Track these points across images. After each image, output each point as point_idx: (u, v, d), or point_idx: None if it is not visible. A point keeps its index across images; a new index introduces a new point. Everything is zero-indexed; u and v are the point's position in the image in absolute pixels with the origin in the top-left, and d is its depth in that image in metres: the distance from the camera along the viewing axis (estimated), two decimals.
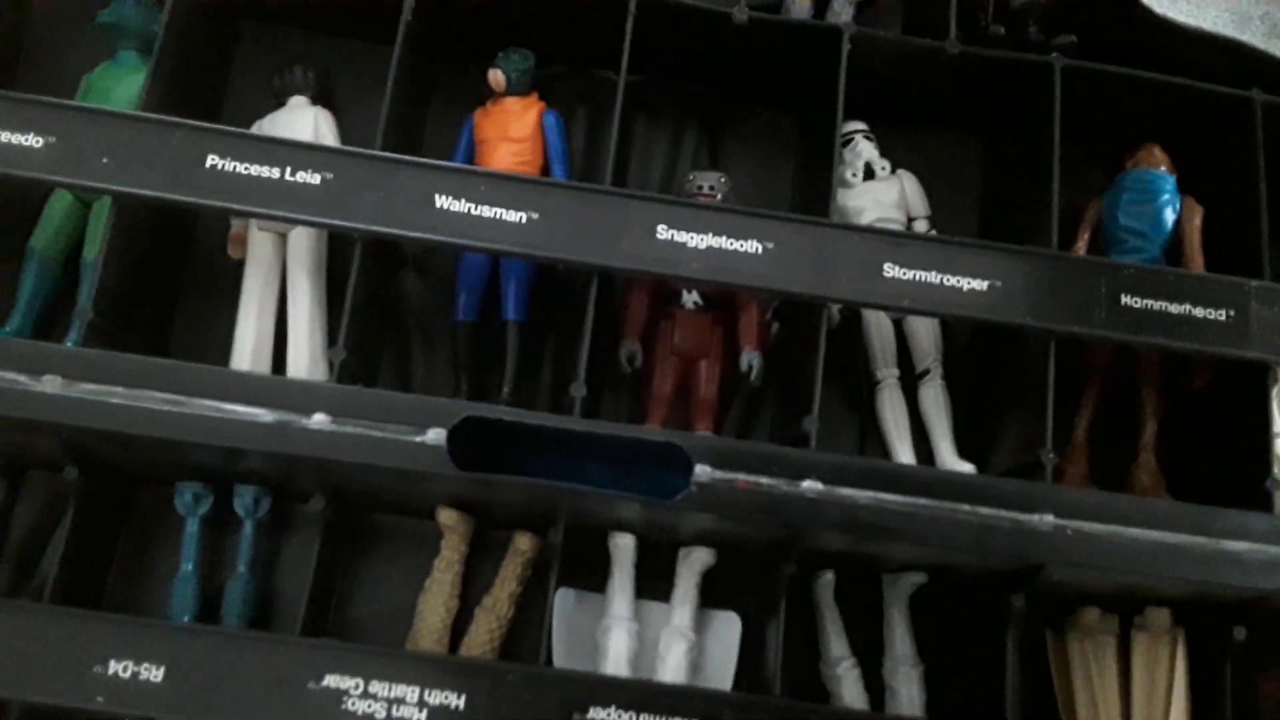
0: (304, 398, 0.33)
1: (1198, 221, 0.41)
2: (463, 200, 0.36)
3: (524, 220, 0.36)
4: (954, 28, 0.41)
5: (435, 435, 0.33)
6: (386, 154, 0.36)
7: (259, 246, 0.40)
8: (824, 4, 0.43)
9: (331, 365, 0.35)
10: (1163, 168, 0.42)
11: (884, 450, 0.42)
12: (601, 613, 0.39)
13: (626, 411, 0.43)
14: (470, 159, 0.41)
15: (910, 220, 0.44)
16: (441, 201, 0.36)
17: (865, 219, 0.42)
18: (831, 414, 0.42)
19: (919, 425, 0.42)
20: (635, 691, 0.34)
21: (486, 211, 0.36)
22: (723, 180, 0.42)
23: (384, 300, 0.42)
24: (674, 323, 0.41)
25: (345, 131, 0.42)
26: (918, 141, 0.45)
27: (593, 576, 0.39)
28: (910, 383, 0.42)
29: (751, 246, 0.37)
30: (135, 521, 0.40)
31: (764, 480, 0.34)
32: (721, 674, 0.39)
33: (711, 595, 0.40)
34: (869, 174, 0.43)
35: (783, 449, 0.35)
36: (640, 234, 0.36)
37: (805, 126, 0.45)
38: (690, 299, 0.41)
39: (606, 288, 0.38)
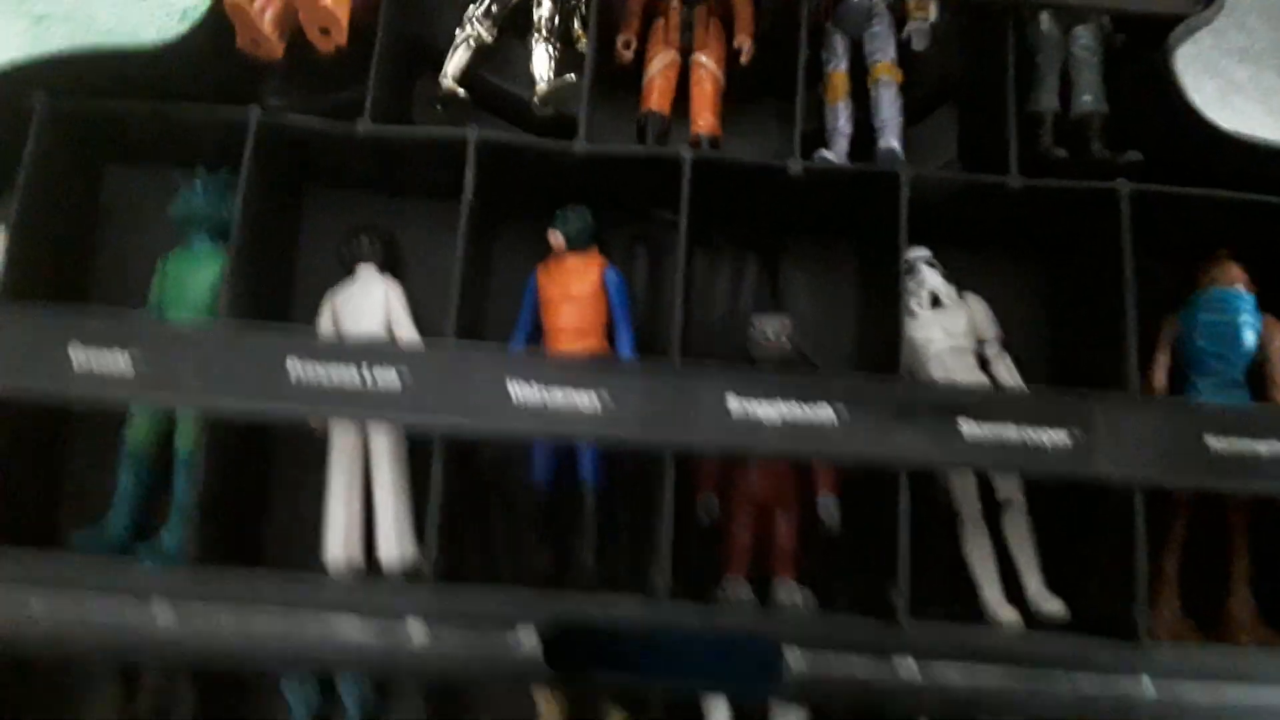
0: (399, 603, 0.34)
1: (1279, 342, 0.40)
2: (534, 384, 0.36)
3: (595, 403, 0.36)
4: (1014, 159, 0.40)
5: (527, 639, 0.34)
6: (458, 348, 0.37)
7: (341, 434, 0.40)
8: (864, 131, 0.43)
9: (420, 570, 0.35)
10: (1239, 285, 0.41)
11: (969, 584, 0.41)
12: None
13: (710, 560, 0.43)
14: (536, 317, 0.42)
15: (980, 343, 0.43)
16: (514, 389, 0.36)
17: (935, 349, 0.42)
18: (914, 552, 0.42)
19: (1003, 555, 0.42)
20: None
21: (559, 396, 0.36)
22: (785, 322, 0.41)
23: (465, 468, 0.42)
24: (749, 471, 0.41)
25: (416, 288, 0.42)
26: (981, 265, 0.45)
27: None
28: (992, 512, 0.42)
29: (823, 413, 0.36)
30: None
31: (856, 665, 0.34)
32: None
33: None
34: (935, 302, 0.43)
35: (872, 624, 0.35)
36: (711, 409, 0.36)
37: (865, 255, 0.45)
38: None
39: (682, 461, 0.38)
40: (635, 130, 0.43)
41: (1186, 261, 0.43)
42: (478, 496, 0.43)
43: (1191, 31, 0.41)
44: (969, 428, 0.36)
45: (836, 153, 0.43)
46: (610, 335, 0.42)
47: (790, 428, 0.36)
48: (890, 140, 0.42)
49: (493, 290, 0.44)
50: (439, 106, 0.43)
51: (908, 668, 0.34)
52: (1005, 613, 0.40)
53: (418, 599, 0.35)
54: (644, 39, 0.44)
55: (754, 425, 0.36)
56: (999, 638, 0.36)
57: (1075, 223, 0.41)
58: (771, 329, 0.42)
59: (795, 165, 0.39)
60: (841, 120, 0.43)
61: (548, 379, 0.36)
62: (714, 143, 0.42)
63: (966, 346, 0.43)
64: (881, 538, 0.39)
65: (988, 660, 0.34)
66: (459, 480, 0.41)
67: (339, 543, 0.39)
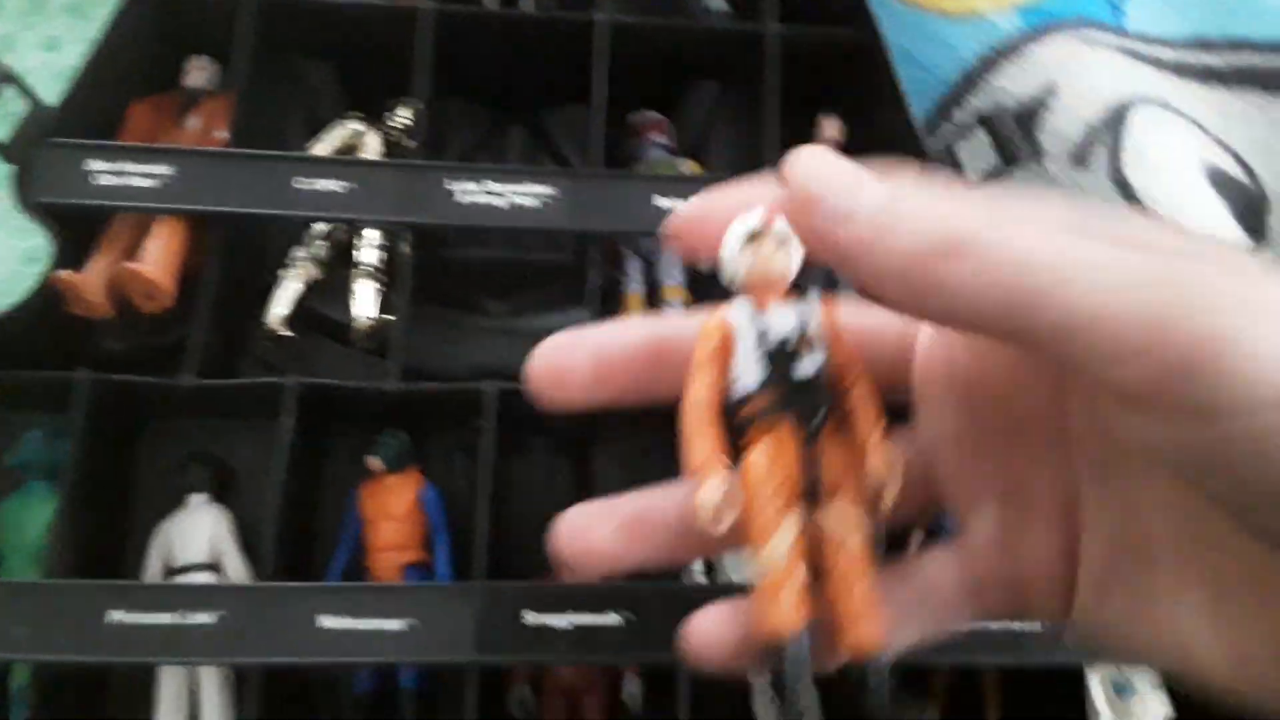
0: None
1: None
2: (344, 616, 0.39)
3: (404, 627, 0.40)
4: None
5: None
6: (272, 584, 0.40)
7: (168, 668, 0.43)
8: None
9: None
10: None
11: None
12: None
13: None
14: (359, 533, 0.45)
15: None
16: (323, 621, 0.39)
17: None
18: None
19: None
20: None
21: (366, 624, 0.39)
22: None
23: (292, 686, 0.45)
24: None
25: (251, 507, 0.46)
26: None
27: None
28: None
29: (612, 619, 0.41)
30: None
31: None
32: None
33: None
34: None
35: None
36: (509, 623, 0.40)
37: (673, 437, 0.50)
38: None
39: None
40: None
41: None
42: (306, 707, 0.45)
43: None
44: None
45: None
46: (431, 547, 0.46)
47: (581, 633, 0.40)
48: None
49: (325, 504, 0.48)
50: (268, 343, 0.47)
51: None
52: None
53: None
54: None
55: (548, 635, 0.40)
56: None
57: None
58: None
59: None
60: None
61: (356, 609, 0.40)
62: None
63: None
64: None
65: None
66: (286, 694, 0.44)
67: None
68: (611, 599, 0.41)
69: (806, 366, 0.23)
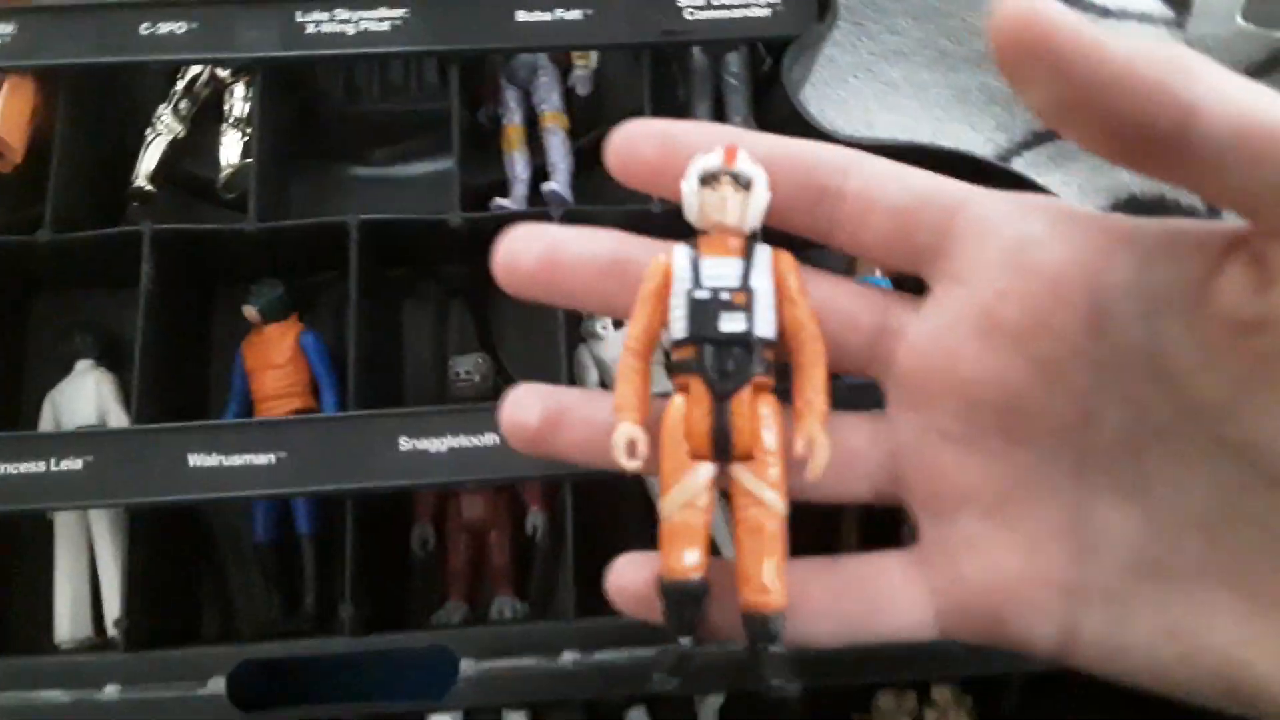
0: (97, 675, 0.37)
1: None
2: (213, 455, 0.39)
3: (273, 461, 0.39)
4: None
5: (214, 686, 0.36)
6: (141, 427, 0.40)
7: (62, 515, 0.43)
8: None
9: (102, 624, 0.38)
10: None
11: None
12: None
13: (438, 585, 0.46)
14: (246, 389, 0.45)
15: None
16: (194, 460, 0.39)
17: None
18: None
19: None
20: None
21: (237, 460, 0.39)
22: (480, 360, 0.45)
23: (189, 535, 0.45)
24: (458, 500, 0.45)
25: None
26: None
27: None
28: None
29: (489, 440, 0.40)
30: None
31: (525, 662, 0.37)
32: None
33: None
34: (618, 323, 0.46)
35: (541, 626, 0.39)
36: (383, 451, 0.39)
37: None
38: None
39: (369, 501, 0.41)
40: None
41: None
42: (213, 557, 0.45)
43: (806, 48, 0.45)
44: None
45: (515, 199, 0.46)
46: (318, 393, 0.45)
47: (458, 456, 0.39)
48: (553, 183, 0.46)
49: (217, 363, 0.47)
50: (135, 204, 0.46)
51: (569, 658, 0.37)
52: None
53: (113, 666, 0.37)
54: None
55: (423, 460, 0.39)
56: None
57: None
58: (464, 367, 0.45)
59: (455, 218, 0.43)
60: (518, 168, 0.47)
61: (226, 446, 0.39)
62: None
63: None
64: (586, 546, 0.42)
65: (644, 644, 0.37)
66: (181, 545, 0.44)
67: (66, 620, 0.41)
68: (491, 422, 0.40)
69: (734, 322, 0.23)
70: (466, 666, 0.37)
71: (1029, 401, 0.22)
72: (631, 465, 0.23)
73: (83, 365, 0.45)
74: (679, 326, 0.23)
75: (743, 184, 0.23)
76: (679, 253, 0.24)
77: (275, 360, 0.44)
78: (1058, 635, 0.22)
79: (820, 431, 0.22)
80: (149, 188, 0.46)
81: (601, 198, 0.44)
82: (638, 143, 0.25)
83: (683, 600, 0.22)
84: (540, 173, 0.47)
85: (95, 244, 0.42)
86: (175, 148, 0.47)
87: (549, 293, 0.25)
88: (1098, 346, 0.21)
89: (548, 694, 0.37)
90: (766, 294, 0.23)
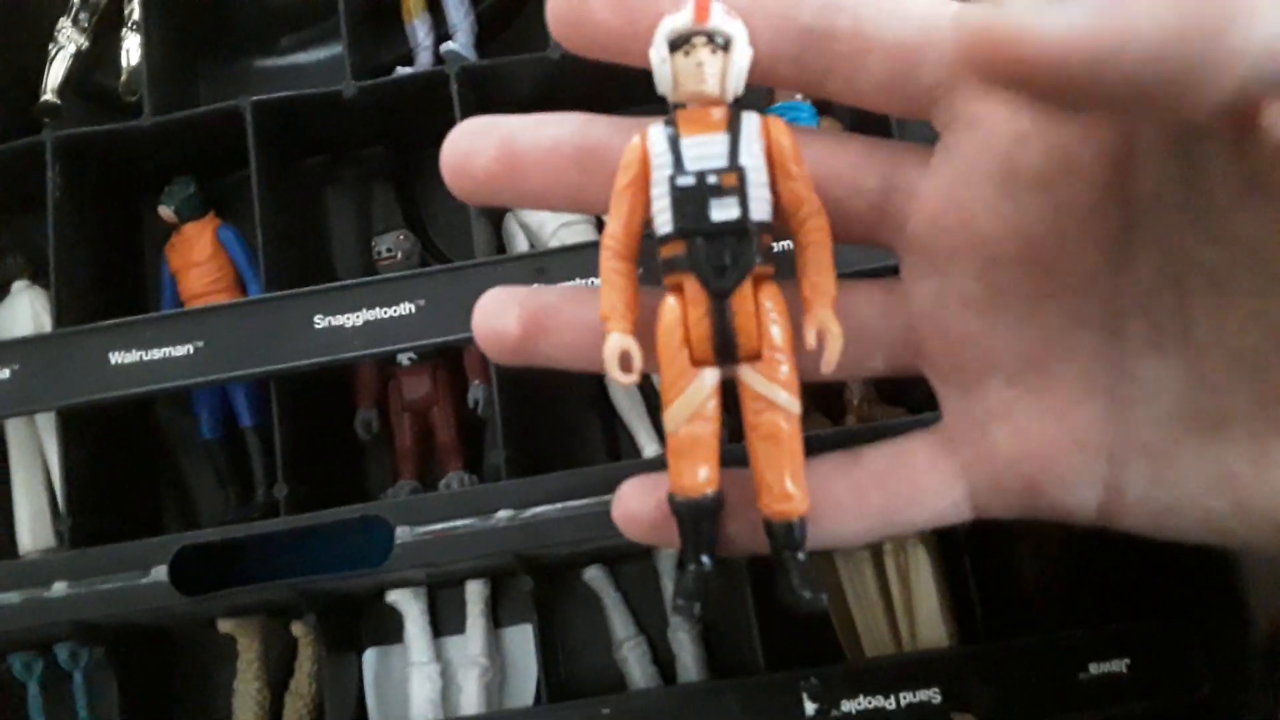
0: (44, 573, 0.38)
1: None
2: (133, 351, 0.39)
3: (191, 351, 0.39)
4: None
5: (157, 574, 0.37)
6: (61, 331, 0.40)
7: (13, 426, 0.44)
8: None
9: (60, 534, 0.39)
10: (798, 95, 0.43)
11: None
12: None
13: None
14: (175, 293, 0.45)
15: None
16: (115, 358, 0.39)
17: (550, 229, 0.44)
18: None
19: None
20: None
21: (157, 354, 0.39)
22: (401, 237, 0.44)
23: (137, 436, 0.45)
24: (398, 382, 0.44)
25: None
26: None
27: (401, 627, 0.43)
28: None
29: (405, 309, 0.39)
30: None
31: (460, 524, 0.37)
32: (525, 686, 0.43)
33: (515, 612, 0.44)
34: None
35: (474, 490, 0.38)
36: (299, 330, 0.39)
37: None
38: (404, 357, 0.44)
39: (296, 383, 0.41)
40: None
41: None
42: (155, 460, 0.46)
43: None
44: None
45: (419, 66, 0.45)
46: (244, 287, 0.44)
47: (372, 328, 0.39)
48: (451, 43, 0.44)
49: (151, 280, 0.47)
50: (46, 120, 0.46)
51: (503, 515, 0.37)
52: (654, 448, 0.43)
53: (60, 563, 0.38)
54: None
55: (339, 335, 0.39)
56: (579, 474, 0.38)
57: None
58: (385, 245, 0.44)
59: (349, 89, 0.41)
60: (420, 35, 0.45)
61: (145, 341, 0.39)
62: None
63: (579, 219, 0.45)
64: (529, 413, 0.42)
65: (579, 496, 0.37)
66: (130, 446, 0.44)
67: (27, 531, 0.42)
68: (405, 291, 0.39)
69: (726, 209, 0.20)
70: (402, 533, 0.37)
71: (1055, 254, 0.20)
72: (627, 379, 0.20)
73: (18, 286, 0.45)
74: (663, 219, 0.20)
75: (720, 44, 0.20)
76: (655, 133, 0.20)
77: (196, 258, 0.44)
78: (1100, 499, 0.21)
79: (832, 319, 0.20)
80: (56, 101, 0.45)
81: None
82: (590, 6, 0.21)
83: (698, 518, 0.21)
84: (446, 38, 0.45)
85: (2, 159, 0.42)
86: (81, 60, 0.46)
87: (510, 194, 0.22)
88: (1129, 186, 0.19)
89: (483, 550, 0.37)
90: (759, 170, 0.20)
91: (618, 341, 0.20)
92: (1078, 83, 0.15)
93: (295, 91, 0.42)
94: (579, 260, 0.38)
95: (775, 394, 0.20)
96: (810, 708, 0.37)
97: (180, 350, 0.39)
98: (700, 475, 0.20)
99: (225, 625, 0.41)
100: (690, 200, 0.20)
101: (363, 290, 0.39)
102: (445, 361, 0.44)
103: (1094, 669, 0.37)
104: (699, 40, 0.20)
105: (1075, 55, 0.15)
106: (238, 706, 0.42)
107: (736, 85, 0.20)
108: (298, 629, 0.41)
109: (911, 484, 0.22)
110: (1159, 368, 0.20)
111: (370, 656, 0.43)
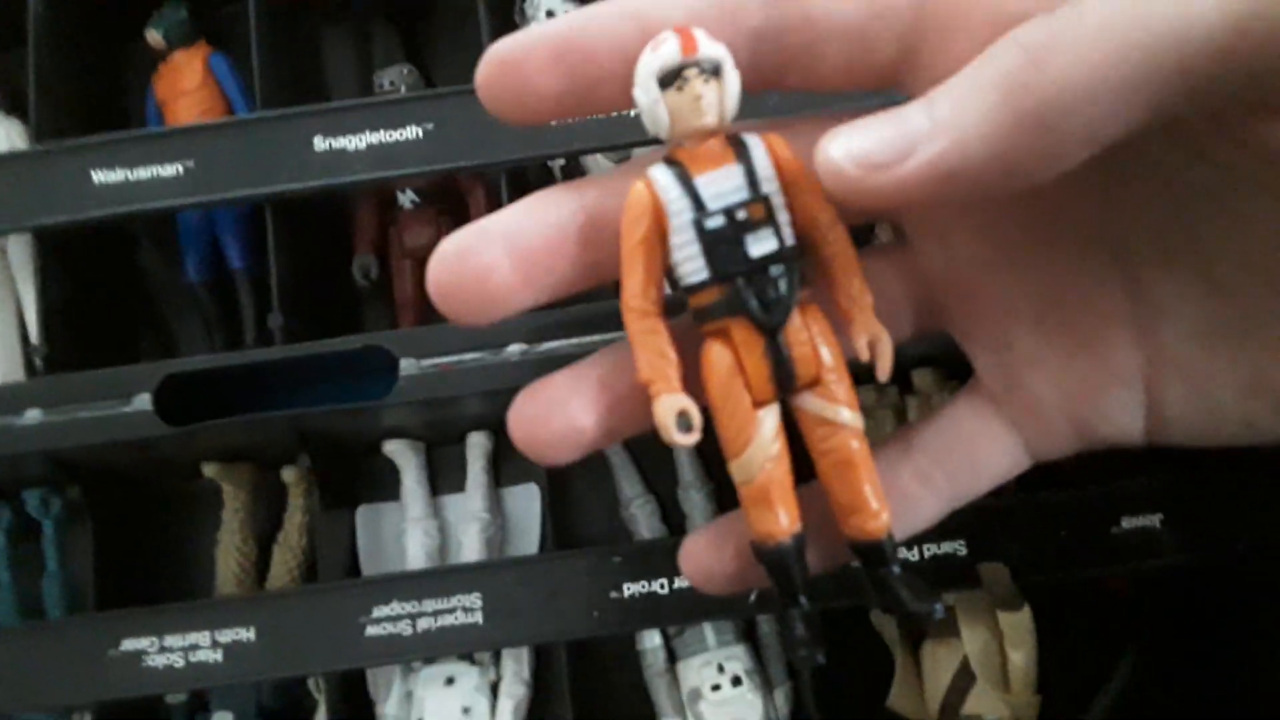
0: (15, 399, 0.35)
1: None
2: (117, 169, 0.36)
3: (180, 171, 0.36)
4: None
5: (140, 402, 0.34)
6: (40, 148, 0.37)
7: None
8: None
9: (32, 363, 0.36)
10: None
11: None
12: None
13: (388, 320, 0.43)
14: (162, 123, 0.42)
15: None
16: (98, 176, 0.36)
17: None
18: None
19: None
20: (413, 581, 0.36)
21: (143, 174, 0.36)
22: (405, 71, 0.41)
23: (120, 279, 0.43)
24: (399, 227, 0.42)
25: None
26: None
27: (396, 485, 0.41)
28: None
29: (411, 132, 0.36)
30: None
31: (468, 357, 0.35)
32: (527, 546, 0.41)
33: (517, 471, 0.42)
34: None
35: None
36: (297, 152, 0.36)
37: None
38: (406, 199, 0.41)
39: (293, 217, 0.38)
40: None
41: None
42: (149, 303, 0.43)
43: None
44: None
45: None
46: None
47: (377, 152, 0.36)
48: None
49: (131, 107, 0.44)
50: None
51: (515, 349, 0.35)
52: None
53: (33, 389, 0.35)
54: None
55: (341, 159, 0.36)
56: (596, 309, 0.36)
57: None
58: (389, 78, 0.41)
59: None
60: None
61: (130, 159, 0.36)
62: None
63: None
64: None
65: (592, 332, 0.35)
66: (110, 280, 0.42)
67: None
68: (412, 114, 0.36)
69: (763, 242, 0.19)
70: (407, 365, 0.35)
71: (1049, 203, 0.20)
72: (689, 440, 0.19)
73: None
74: (693, 267, 0.19)
75: (711, 71, 0.18)
76: (662, 177, 0.19)
77: (185, 86, 0.41)
78: (1145, 422, 0.21)
79: (880, 328, 0.19)
80: None
81: None
82: (526, 74, 0.19)
83: (789, 563, 0.20)
84: None
85: None
86: None
87: (532, 297, 0.20)
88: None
89: (493, 384, 0.34)
90: (778, 194, 0.19)
91: (671, 403, 0.19)
92: (929, 202, 0.17)
93: None
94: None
95: (839, 414, 0.20)
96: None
97: (169, 170, 0.36)
98: (783, 521, 0.20)
99: (210, 469, 0.39)
100: (723, 241, 0.19)
101: (366, 111, 0.36)
102: (450, 205, 0.42)
103: (1126, 523, 0.35)
104: (691, 73, 0.18)
105: (916, 193, 0.17)
106: (220, 559, 0.39)
107: (732, 111, 0.19)
108: (289, 474, 0.39)
109: (971, 455, 0.22)
110: (1175, 286, 0.20)
111: (364, 513, 0.41)
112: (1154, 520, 0.35)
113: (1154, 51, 0.15)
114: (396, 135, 0.36)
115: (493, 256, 0.19)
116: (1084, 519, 0.35)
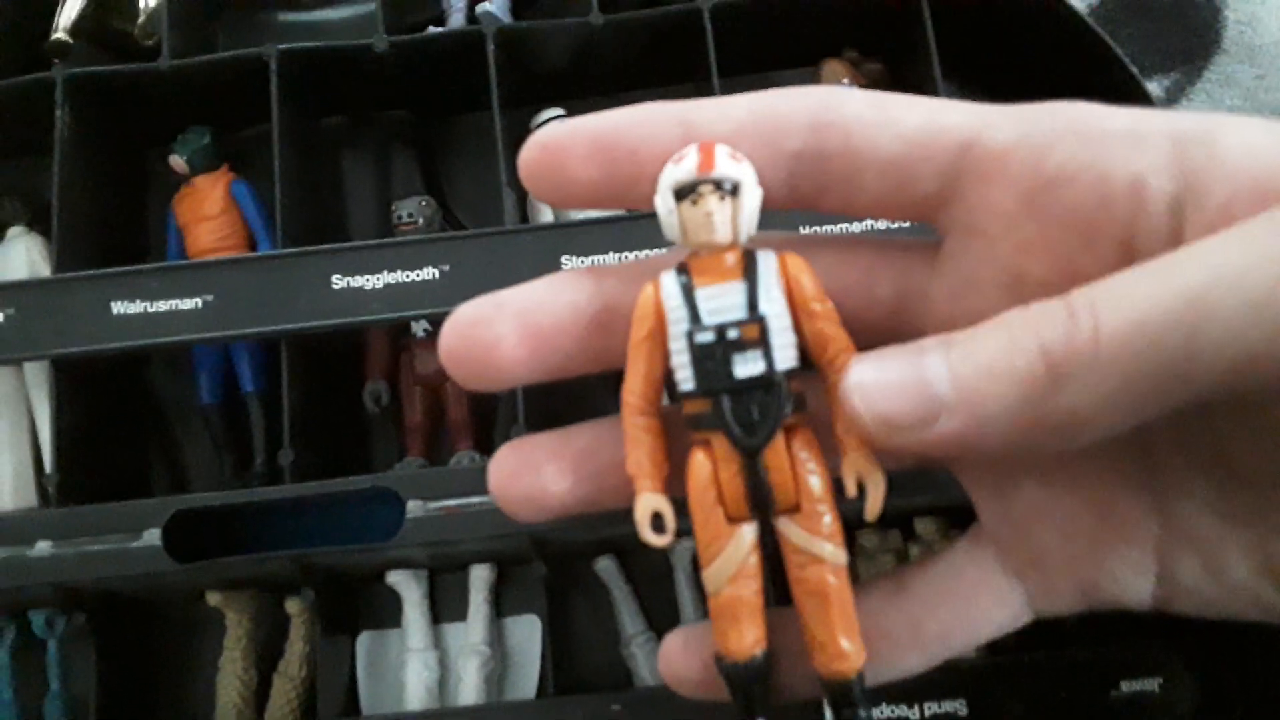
0: (26, 530, 0.35)
1: None
2: (137, 301, 0.37)
3: (199, 305, 0.37)
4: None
5: (150, 537, 0.35)
6: (63, 276, 0.38)
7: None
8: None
9: (46, 492, 0.37)
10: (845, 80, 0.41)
11: None
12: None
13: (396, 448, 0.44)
14: (181, 247, 0.42)
15: None
16: (117, 308, 0.37)
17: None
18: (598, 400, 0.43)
19: None
20: None
21: (162, 306, 0.37)
22: (423, 203, 0.42)
23: (130, 396, 0.43)
24: (411, 354, 0.42)
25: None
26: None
27: (399, 609, 0.41)
28: None
29: (428, 274, 0.37)
30: None
31: (474, 500, 0.35)
32: (526, 678, 0.41)
33: (519, 602, 0.42)
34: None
35: (478, 467, 0.36)
36: (316, 289, 0.37)
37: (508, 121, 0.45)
38: (419, 328, 0.42)
39: (307, 348, 0.39)
40: None
41: None
42: (159, 423, 0.44)
43: None
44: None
45: (453, 23, 0.43)
46: (254, 245, 0.42)
47: (393, 291, 0.37)
48: (487, 3, 0.42)
49: (151, 222, 0.45)
50: (56, 61, 0.43)
51: None
52: None
53: (45, 521, 0.35)
54: None
55: (358, 297, 0.37)
56: None
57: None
58: (406, 210, 0.42)
59: (380, 42, 0.40)
60: None
61: (150, 292, 0.37)
62: None
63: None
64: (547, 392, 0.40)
65: None
66: (123, 406, 0.42)
67: (9, 489, 0.40)
68: (429, 256, 0.37)
69: (750, 364, 0.19)
70: (414, 508, 0.35)
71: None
72: (661, 541, 0.19)
73: (14, 232, 0.43)
74: (684, 375, 0.19)
75: (728, 189, 0.19)
76: (668, 284, 0.19)
77: (207, 212, 0.42)
78: (1155, 588, 0.20)
79: (872, 466, 0.19)
80: (68, 39, 0.43)
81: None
82: (566, 160, 0.19)
83: (749, 681, 0.20)
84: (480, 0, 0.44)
85: (9, 95, 0.40)
86: (97, 3, 0.44)
87: (537, 371, 0.20)
88: None
89: (498, 529, 0.35)
90: (780, 315, 0.19)
91: (650, 503, 0.19)
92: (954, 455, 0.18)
93: (324, 44, 0.40)
94: (603, 235, 0.37)
95: (819, 547, 0.19)
96: (830, 713, 0.36)
97: (188, 303, 0.37)
98: (747, 637, 0.20)
99: (214, 598, 0.39)
100: (710, 357, 0.19)
101: (385, 252, 0.37)
102: None
103: (1125, 687, 0.35)
104: (705, 189, 0.19)
105: (938, 453, 0.17)
106: (221, 686, 0.39)
107: (749, 229, 0.19)
108: (292, 606, 0.39)
109: (966, 606, 0.21)
110: (1190, 468, 0.19)
111: (364, 640, 0.41)
112: (1153, 685, 0.35)
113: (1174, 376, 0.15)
114: (413, 275, 0.37)
115: (503, 328, 0.20)
116: (1084, 680, 0.35)
